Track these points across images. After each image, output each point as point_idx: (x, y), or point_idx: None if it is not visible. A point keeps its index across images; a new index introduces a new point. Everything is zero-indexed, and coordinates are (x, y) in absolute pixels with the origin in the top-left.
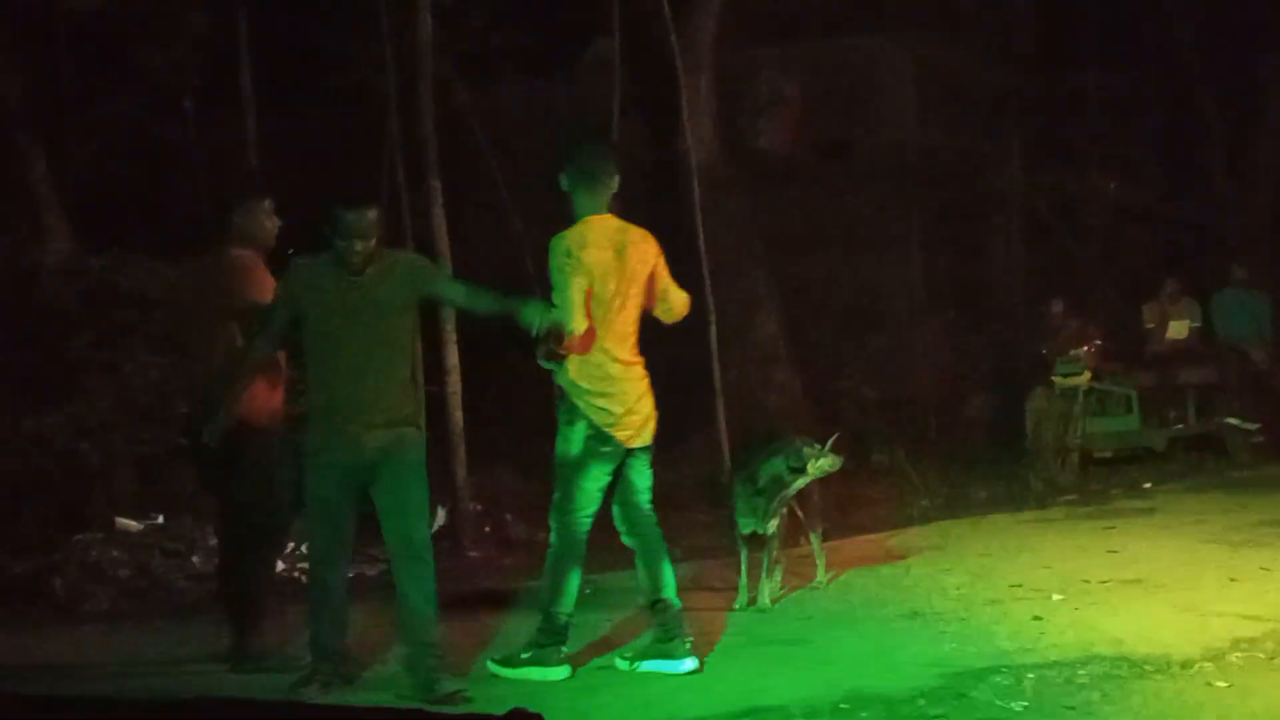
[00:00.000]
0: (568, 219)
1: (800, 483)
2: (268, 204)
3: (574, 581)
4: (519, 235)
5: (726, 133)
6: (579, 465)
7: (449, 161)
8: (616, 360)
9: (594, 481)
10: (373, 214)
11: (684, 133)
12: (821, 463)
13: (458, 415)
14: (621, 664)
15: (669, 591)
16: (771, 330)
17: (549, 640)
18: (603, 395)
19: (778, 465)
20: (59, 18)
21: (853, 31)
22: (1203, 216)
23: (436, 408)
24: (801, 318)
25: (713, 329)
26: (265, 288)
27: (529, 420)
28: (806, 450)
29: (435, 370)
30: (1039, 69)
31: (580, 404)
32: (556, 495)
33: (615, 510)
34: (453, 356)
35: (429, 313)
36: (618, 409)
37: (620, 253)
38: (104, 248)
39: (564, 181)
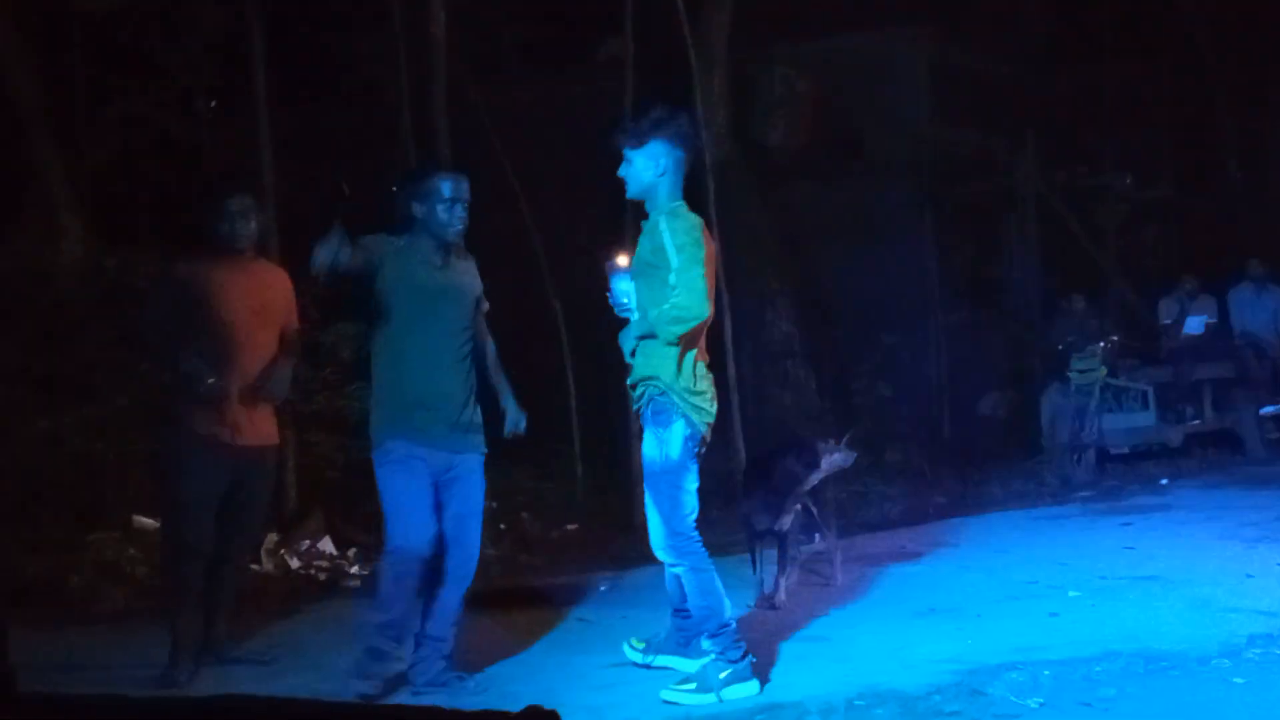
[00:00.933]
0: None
1: (814, 479)
2: (236, 203)
3: (720, 583)
4: (532, 233)
5: (740, 130)
6: (682, 469)
7: (462, 159)
8: (704, 356)
9: (694, 482)
10: (466, 183)
11: (698, 130)
12: (835, 458)
13: None
14: (634, 655)
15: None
16: (785, 327)
17: (739, 652)
18: (700, 394)
19: (791, 461)
20: (74, 18)
21: (866, 27)
22: (1218, 211)
23: None
24: (815, 315)
25: (727, 326)
26: (203, 296)
27: (544, 418)
28: (820, 445)
29: None
30: (1053, 64)
31: (680, 403)
32: (661, 514)
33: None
34: None
35: None
36: (712, 408)
37: (710, 244)
38: (119, 247)
39: (659, 162)
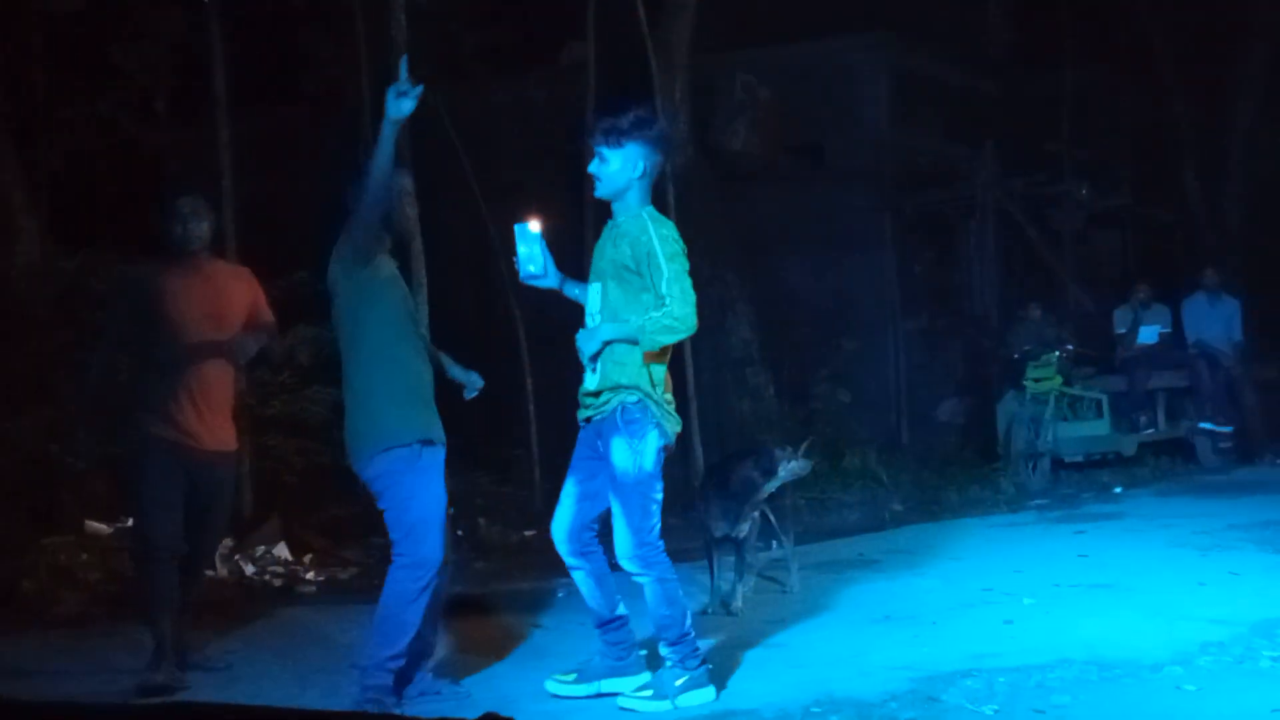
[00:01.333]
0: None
1: (772, 486)
2: (187, 204)
3: (682, 591)
4: (492, 237)
5: (701, 135)
6: (654, 479)
7: (423, 164)
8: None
9: (660, 493)
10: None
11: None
12: (792, 465)
13: None
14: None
15: (624, 608)
16: (744, 334)
17: (697, 661)
18: (670, 403)
19: (749, 468)
20: (32, 19)
21: (827, 34)
22: (1175, 220)
23: None
24: (775, 321)
25: None
26: (159, 303)
27: (501, 422)
28: (778, 453)
29: None
30: (1013, 72)
31: (656, 412)
32: (630, 525)
33: (569, 526)
34: None
35: None
36: (678, 417)
37: None
38: (76, 250)
39: (637, 164)
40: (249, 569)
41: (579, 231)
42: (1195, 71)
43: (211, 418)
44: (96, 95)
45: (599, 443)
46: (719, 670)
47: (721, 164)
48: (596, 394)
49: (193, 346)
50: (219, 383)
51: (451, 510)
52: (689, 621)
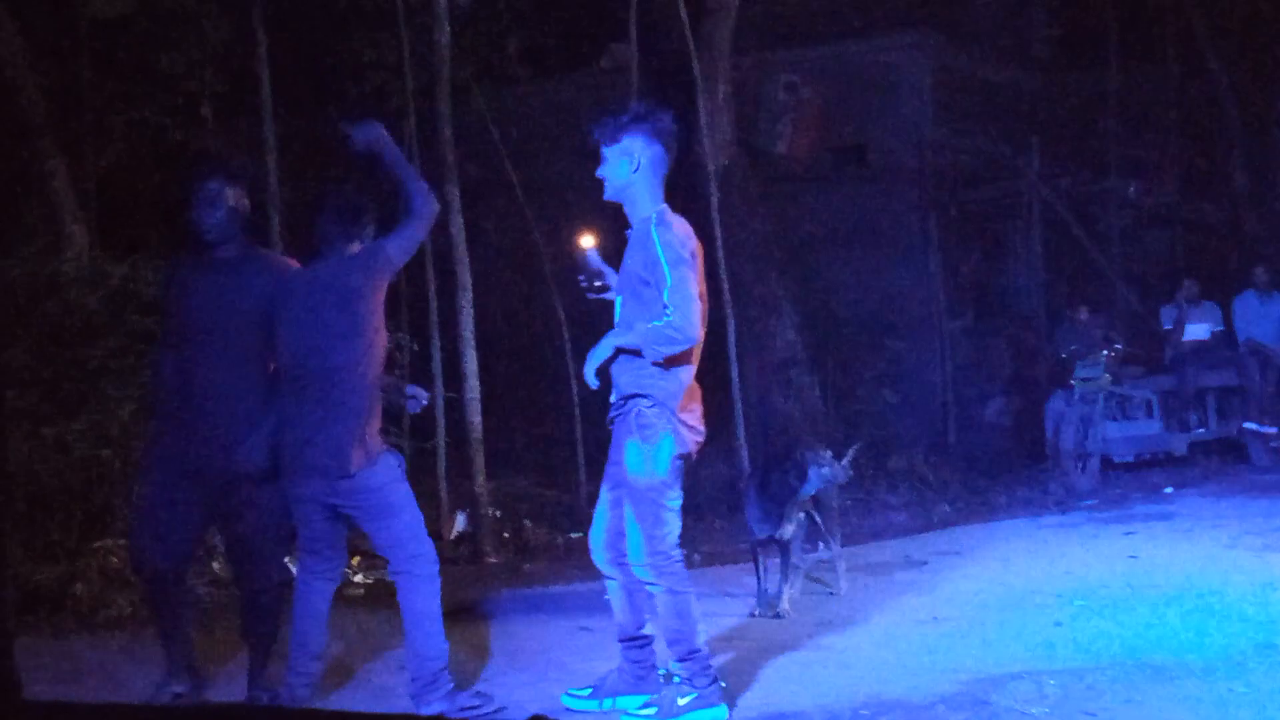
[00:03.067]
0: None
1: (809, 490)
2: (204, 190)
3: (697, 608)
4: (537, 241)
5: (744, 137)
6: (666, 487)
7: (467, 168)
8: (694, 371)
9: (678, 500)
10: None
11: (701, 138)
12: (824, 471)
13: (476, 421)
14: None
15: (651, 628)
16: (790, 335)
17: (708, 679)
18: (691, 411)
19: (786, 471)
20: (81, 25)
21: (871, 34)
22: (1223, 217)
23: (455, 413)
24: (820, 322)
25: (731, 335)
26: (182, 298)
27: (546, 426)
28: (810, 456)
29: (453, 376)
30: (1058, 70)
31: (672, 418)
32: (643, 531)
33: (603, 534)
34: (471, 362)
35: (448, 318)
36: (702, 426)
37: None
38: (125, 255)
39: (634, 157)
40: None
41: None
42: (1243, 66)
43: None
44: (143, 101)
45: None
46: (765, 673)
47: (764, 165)
48: (618, 402)
49: (210, 349)
50: (238, 392)
51: (496, 513)
52: (700, 639)
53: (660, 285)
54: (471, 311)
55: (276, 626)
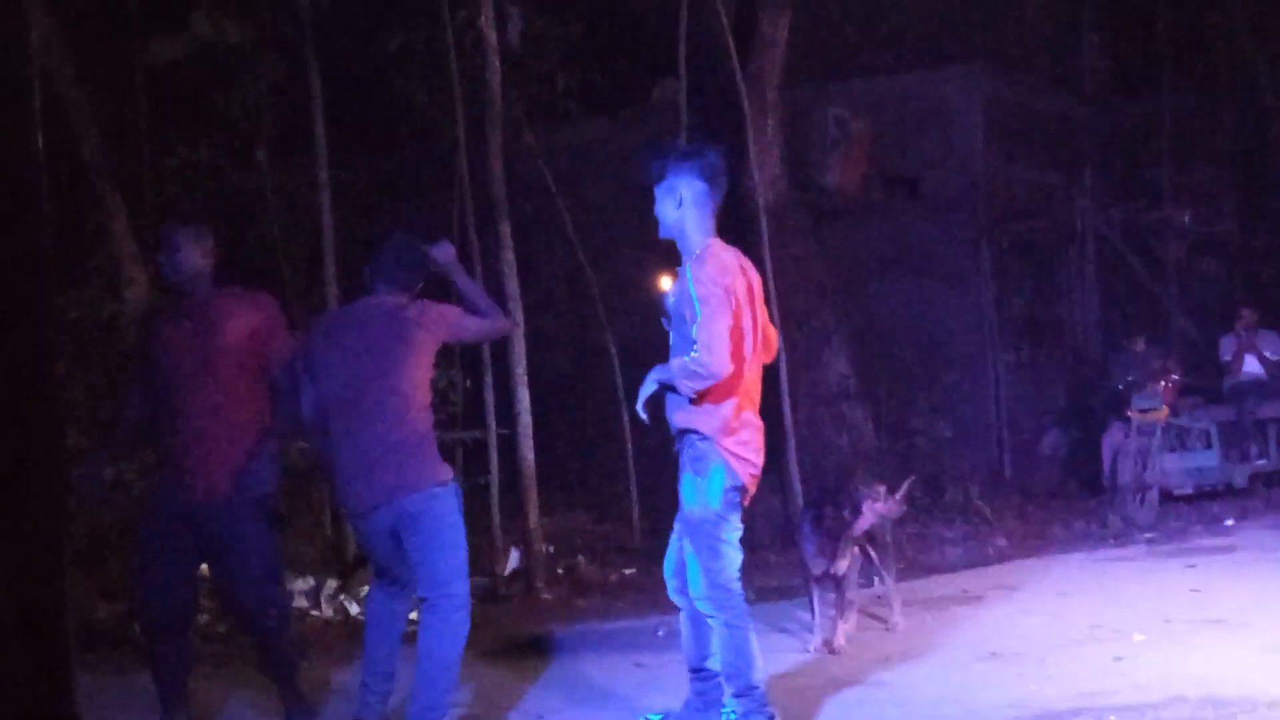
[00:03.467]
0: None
1: (862, 526)
2: (176, 238)
3: (755, 643)
4: (588, 277)
5: (794, 170)
6: (721, 519)
7: (518, 204)
8: (754, 404)
9: (736, 533)
10: None
11: (751, 171)
12: (878, 506)
13: (529, 457)
14: None
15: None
16: (842, 368)
17: (763, 717)
18: (744, 443)
19: (840, 506)
20: (138, 69)
21: (921, 66)
22: None
23: (508, 450)
24: (872, 355)
25: (783, 368)
26: (150, 342)
27: (599, 461)
28: (864, 491)
29: (506, 412)
30: (1110, 99)
31: (722, 451)
32: (700, 563)
33: (673, 563)
34: (524, 398)
35: (500, 355)
36: (758, 458)
37: (749, 280)
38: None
39: (679, 195)
40: (354, 609)
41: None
42: None
43: (210, 461)
44: (200, 143)
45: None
46: (822, 709)
47: (816, 199)
48: (675, 435)
49: (177, 398)
50: (210, 432)
51: (550, 549)
52: (758, 675)
53: (693, 320)
54: (524, 348)
55: (294, 656)
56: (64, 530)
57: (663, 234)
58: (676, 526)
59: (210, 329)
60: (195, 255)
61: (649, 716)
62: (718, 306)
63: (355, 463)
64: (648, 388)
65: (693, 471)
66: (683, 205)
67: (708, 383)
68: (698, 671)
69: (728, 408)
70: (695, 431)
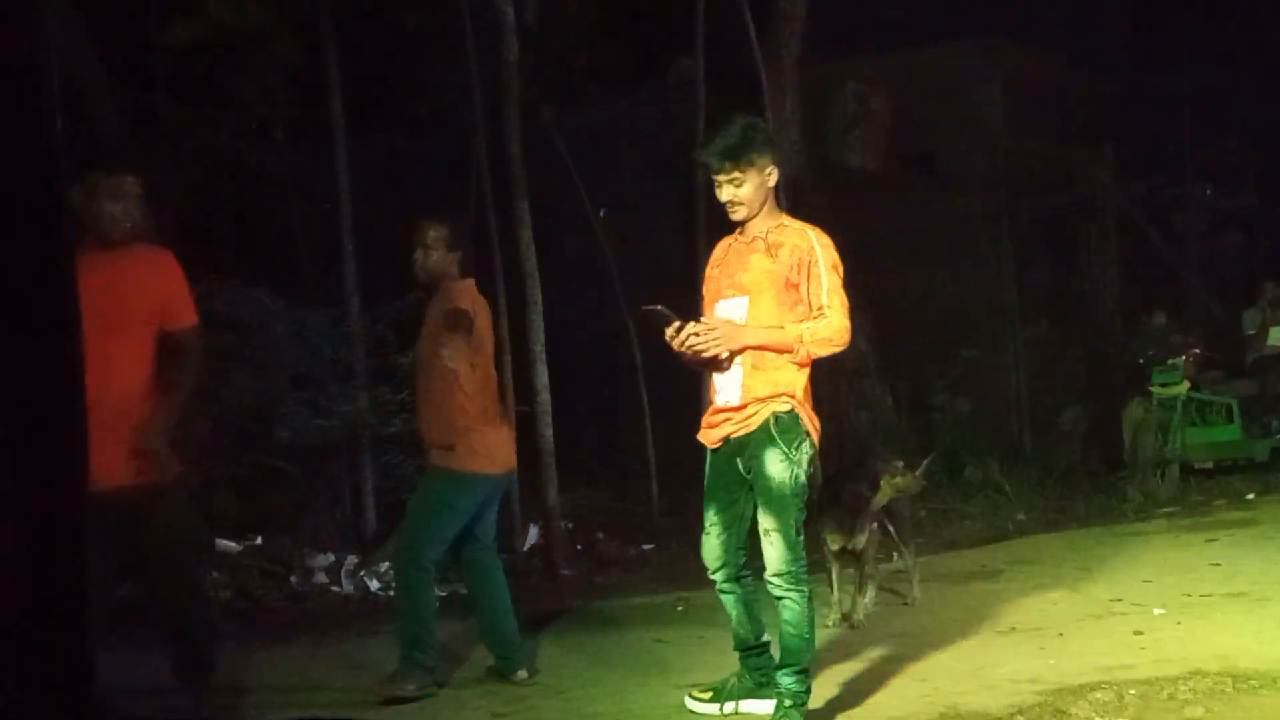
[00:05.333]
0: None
1: (883, 499)
2: (118, 183)
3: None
4: (606, 256)
5: (813, 147)
6: (803, 490)
7: (535, 183)
8: None
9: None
10: None
11: None
12: (897, 481)
13: (548, 434)
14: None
15: (768, 634)
16: (860, 344)
17: (805, 691)
18: (815, 414)
19: (858, 482)
20: (155, 52)
21: (941, 41)
22: None
23: (526, 427)
24: (892, 332)
25: None
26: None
27: (618, 439)
28: (881, 467)
29: (524, 389)
30: (1131, 74)
31: (807, 421)
32: (788, 538)
33: (720, 553)
34: (542, 376)
35: (519, 332)
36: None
37: None
38: (200, 277)
39: (766, 175)
40: (374, 585)
41: (691, 247)
42: None
43: (108, 445)
44: (218, 125)
45: (740, 461)
46: (841, 684)
47: (834, 175)
48: (739, 408)
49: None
50: (112, 400)
51: (569, 526)
52: (813, 652)
53: (815, 287)
54: (542, 325)
55: (210, 646)
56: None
57: (744, 216)
58: (716, 518)
59: (117, 285)
60: (112, 204)
61: (694, 695)
62: (837, 277)
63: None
64: (733, 345)
65: (782, 445)
66: (772, 185)
67: (837, 350)
68: (751, 649)
69: (806, 378)
70: (783, 397)
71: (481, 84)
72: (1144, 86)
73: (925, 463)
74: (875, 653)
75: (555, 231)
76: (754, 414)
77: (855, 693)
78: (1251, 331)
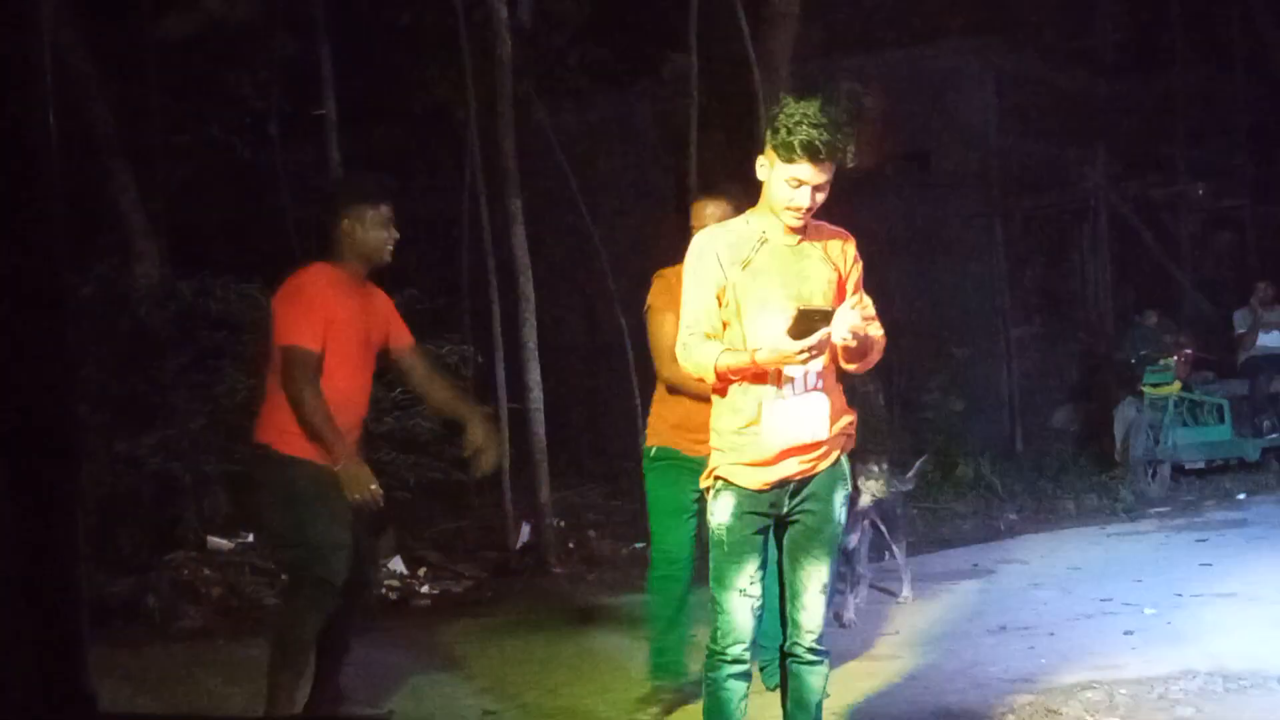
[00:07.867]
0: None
1: (865, 501)
2: (383, 211)
3: None
4: (599, 252)
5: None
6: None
7: (529, 179)
8: None
9: None
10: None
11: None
12: (871, 485)
13: (540, 432)
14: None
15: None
16: None
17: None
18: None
19: None
20: (149, 45)
21: (934, 40)
22: None
23: (519, 424)
24: (885, 329)
25: None
26: (315, 309)
27: (610, 436)
28: (858, 468)
29: (517, 387)
30: (1124, 73)
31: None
32: (830, 593)
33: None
34: (534, 373)
35: (511, 329)
36: None
37: None
38: (193, 271)
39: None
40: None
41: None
42: None
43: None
44: (211, 119)
45: (784, 503)
46: (832, 683)
47: None
48: (820, 443)
49: None
50: (359, 408)
51: (560, 523)
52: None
53: (849, 296)
54: (534, 322)
55: None
56: (77, 503)
57: (802, 220)
58: (762, 570)
59: None
60: None
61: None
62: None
63: None
64: (844, 334)
65: (846, 490)
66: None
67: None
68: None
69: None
70: (850, 423)
71: (475, 80)
72: (1136, 86)
73: (918, 464)
74: (866, 652)
75: (548, 228)
76: (829, 450)
77: (845, 693)
78: (1242, 331)
